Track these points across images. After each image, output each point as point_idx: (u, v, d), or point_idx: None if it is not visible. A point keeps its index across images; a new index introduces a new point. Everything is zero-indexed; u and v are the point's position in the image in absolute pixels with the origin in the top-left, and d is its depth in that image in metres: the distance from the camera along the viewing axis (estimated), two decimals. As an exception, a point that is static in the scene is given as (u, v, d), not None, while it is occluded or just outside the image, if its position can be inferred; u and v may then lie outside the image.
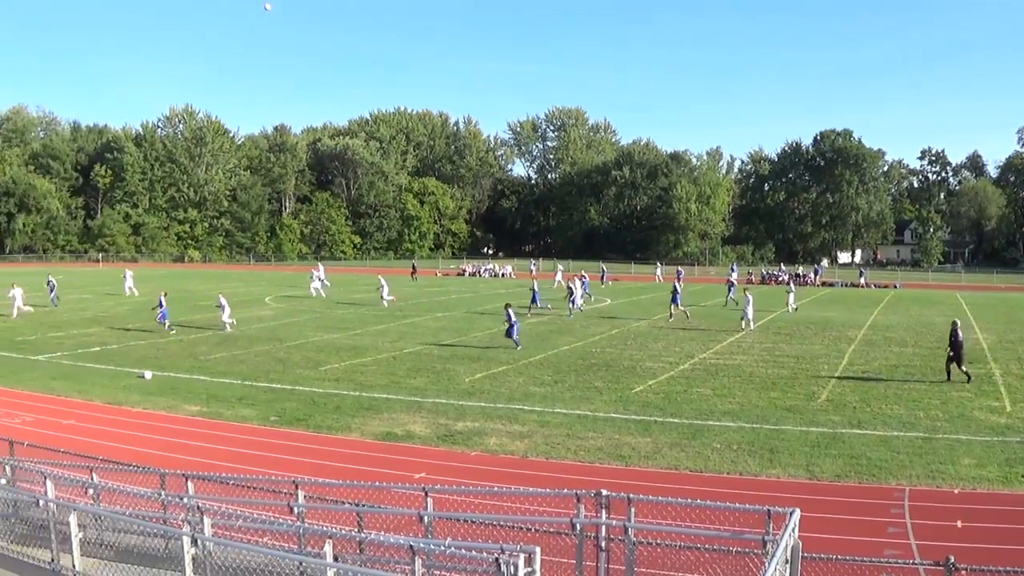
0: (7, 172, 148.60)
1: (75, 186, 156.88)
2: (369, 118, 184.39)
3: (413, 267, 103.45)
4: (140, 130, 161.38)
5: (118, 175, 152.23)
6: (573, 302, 54.61)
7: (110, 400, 28.61)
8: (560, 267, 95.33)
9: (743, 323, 46.77)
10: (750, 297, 47.33)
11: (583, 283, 60.71)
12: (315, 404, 27.51)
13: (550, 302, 58.17)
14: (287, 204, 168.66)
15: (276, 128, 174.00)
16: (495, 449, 22.07)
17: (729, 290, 63.88)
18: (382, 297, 61.22)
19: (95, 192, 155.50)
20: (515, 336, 39.52)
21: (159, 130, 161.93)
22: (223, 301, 46.72)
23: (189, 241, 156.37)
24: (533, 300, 55.56)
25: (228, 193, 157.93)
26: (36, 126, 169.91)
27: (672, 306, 52.22)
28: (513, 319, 39.62)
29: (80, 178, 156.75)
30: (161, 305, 46.37)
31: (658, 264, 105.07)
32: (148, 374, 32.59)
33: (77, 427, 25.01)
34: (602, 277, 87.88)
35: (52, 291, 59.71)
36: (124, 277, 71.67)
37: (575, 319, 52.08)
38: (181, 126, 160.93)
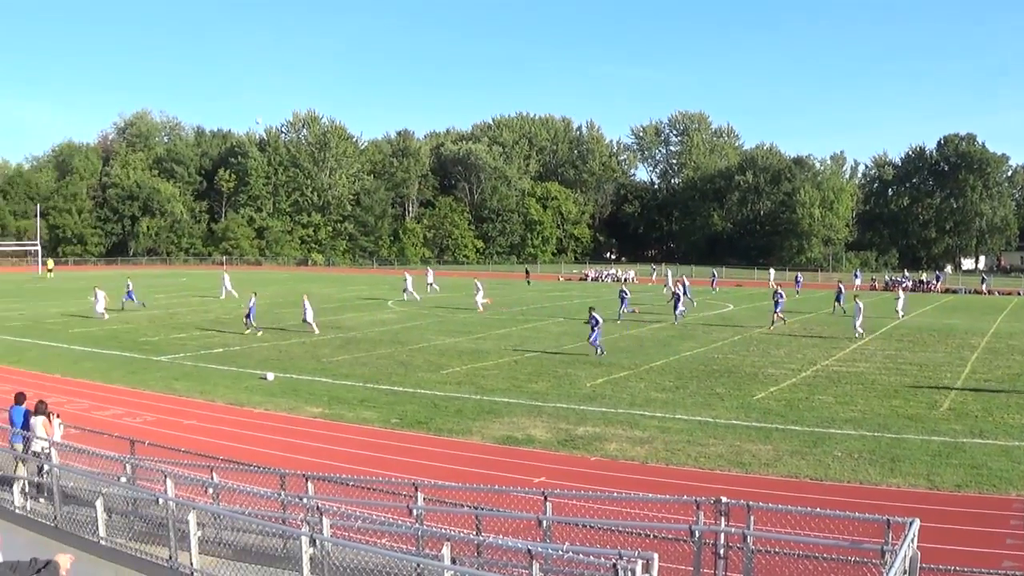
0: (131, 176, 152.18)
1: (199, 190, 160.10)
2: (492, 123, 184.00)
3: (527, 271, 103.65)
4: (264, 135, 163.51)
5: (242, 179, 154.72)
6: (678, 308, 54.24)
7: (232, 401, 29.16)
8: (668, 272, 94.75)
9: (856, 332, 46.07)
10: (860, 305, 46.63)
11: (684, 288, 60.50)
12: (436, 407, 27.73)
13: (637, 307, 58.08)
14: (410, 208, 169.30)
15: (399, 133, 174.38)
16: (615, 454, 22.08)
17: (838, 297, 62.51)
18: (477, 301, 61.61)
19: (219, 196, 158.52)
20: (596, 340, 39.09)
21: (283, 135, 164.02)
22: (307, 304, 47.29)
23: (312, 245, 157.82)
24: (622, 302, 55.73)
25: (352, 197, 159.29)
26: (160, 131, 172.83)
27: (775, 312, 51.56)
28: (599, 321, 39.34)
29: (204, 182, 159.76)
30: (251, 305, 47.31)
31: (771, 270, 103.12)
32: (270, 375, 33.12)
33: (198, 427, 25.54)
34: (712, 283, 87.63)
35: (129, 295, 60.66)
36: (222, 279, 72.70)
37: (695, 324, 51.77)
38: (304, 131, 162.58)
